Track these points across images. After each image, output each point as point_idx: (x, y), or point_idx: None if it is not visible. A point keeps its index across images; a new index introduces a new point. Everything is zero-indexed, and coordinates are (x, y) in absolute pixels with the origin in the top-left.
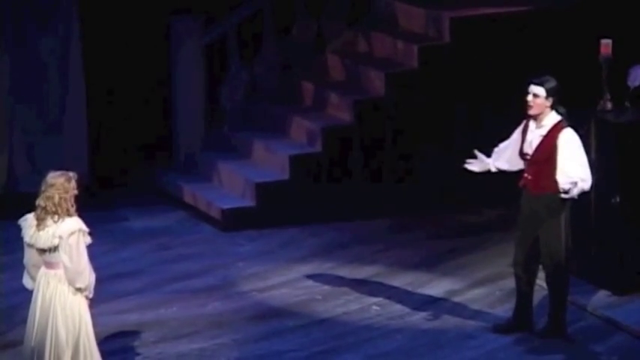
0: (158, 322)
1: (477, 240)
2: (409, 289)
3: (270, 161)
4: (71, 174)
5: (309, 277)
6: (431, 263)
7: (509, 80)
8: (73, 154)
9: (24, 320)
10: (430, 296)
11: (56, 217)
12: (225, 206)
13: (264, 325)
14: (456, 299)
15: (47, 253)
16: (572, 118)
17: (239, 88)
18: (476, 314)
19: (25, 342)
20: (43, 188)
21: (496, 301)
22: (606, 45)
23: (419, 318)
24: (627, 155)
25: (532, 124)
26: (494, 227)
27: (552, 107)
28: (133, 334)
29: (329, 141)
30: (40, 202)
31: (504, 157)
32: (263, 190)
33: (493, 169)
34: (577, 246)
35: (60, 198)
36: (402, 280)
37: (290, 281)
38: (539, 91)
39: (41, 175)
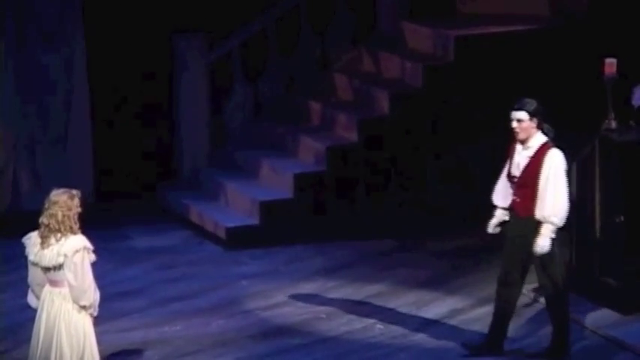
0: (162, 341)
1: (480, 259)
2: (413, 308)
3: (275, 180)
4: (74, 192)
5: (313, 295)
6: (434, 282)
7: (514, 99)
8: (77, 172)
9: (28, 338)
10: (434, 315)
11: (59, 234)
12: (230, 224)
13: (268, 344)
14: (460, 318)
15: (52, 272)
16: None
17: (243, 106)
18: (479, 333)
19: None
20: (46, 206)
21: None
22: (610, 64)
23: (422, 337)
24: (631, 174)
25: (519, 146)
26: (497, 247)
27: (538, 127)
28: (137, 352)
29: (334, 160)
30: (43, 219)
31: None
32: (268, 208)
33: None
34: (581, 265)
35: (63, 215)
36: (406, 299)
37: (294, 300)
38: (522, 115)
39: (45, 193)
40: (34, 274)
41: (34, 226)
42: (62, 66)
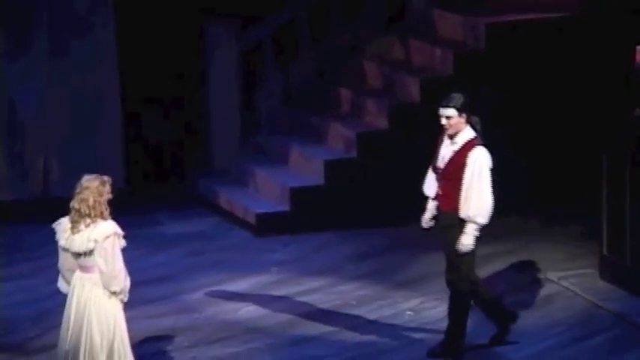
0: (192, 327)
1: (511, 246)
2: (444, 294)
3: (306, 166)
4: (106, 178)
5: (343, 282)
6: None
7: (545, 86)
8: (107, 159)
9: (58, 324)
10: None
11: (88, 220)
12: (260, 211)
13: (297, 330)
14: None
15: (82, 257)
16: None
17: (274, 93)
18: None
19: (60, 345)
20: (77, 190)
21: (530, 308)
22: None
23: None
24: None
25: (446, 138)
26: (530, 232)
27: (467, 121)
28: (167, 338)
29: (364, 147)
30: (74, 204)
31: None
32: (298, 195)
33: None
34: (611, 253)
35: (94, 201)
36: (436, 286)
37: (324, 286)
38: (451, 112)
39: (75, 179)
40: (64, 260)
41: (64, 212)
42: (93, 53)
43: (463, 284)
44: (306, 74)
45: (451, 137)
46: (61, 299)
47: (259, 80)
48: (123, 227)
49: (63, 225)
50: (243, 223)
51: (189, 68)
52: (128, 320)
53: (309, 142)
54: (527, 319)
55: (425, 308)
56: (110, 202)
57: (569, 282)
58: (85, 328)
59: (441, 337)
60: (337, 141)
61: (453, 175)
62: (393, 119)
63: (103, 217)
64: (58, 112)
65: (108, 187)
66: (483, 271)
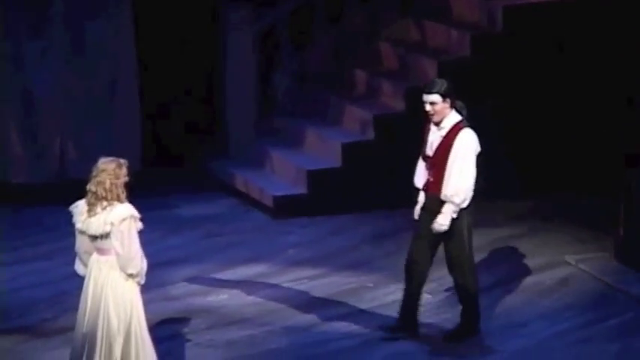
0: (208, 309)
1: (527, 229)
2: None
3: (323, 149)
4: (122, 161)
5: (360, 264)
6: (482, 251)
7: (563, 69)
8: (124, 141)
9: (75, 306)
10: (480, 284)
11: (105, 202)
12: (277, 193)
13: (314, 313)
14: (506, 287)
15: (99, 240)
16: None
17: (291, 75)
18: (526, 302)
19: (77, 328)
20: (94, 173)
21: (545, 290)
22: None
23: None
24: None
25: (433, 126)
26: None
27: (452, 106)
28: (184, 320)
29: (381, 129)
30: (90, 187)
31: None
32: (315, 177)
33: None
34: (628, 236)
35: (111, 184)
36: None
37: (340, 269)
38: (435, 98)
39: (92, 161)
40: (81, 242)
41: (81, 194)
42: (109, 34)
43: (468, 274)
44: (322, 56)
45: (437, 124)
46: (77, 281)
47: (275, 63)
48: (139, 209)
49: (80, 207)
50: (259, 206)
51: (205, 51)
52: (145, 303)
53: (326, 124)
54: (542, 302)
55: (442, 291)
56: (127, 185)
57: (585, 265)
58: (102, 311)
59: (457, 320)
60: (354, 123)
61: (441, 162)
62: (410, 101)
63: (120, 200)
64: (74, 94)
65: (124, 170)
66: (497, 254)
